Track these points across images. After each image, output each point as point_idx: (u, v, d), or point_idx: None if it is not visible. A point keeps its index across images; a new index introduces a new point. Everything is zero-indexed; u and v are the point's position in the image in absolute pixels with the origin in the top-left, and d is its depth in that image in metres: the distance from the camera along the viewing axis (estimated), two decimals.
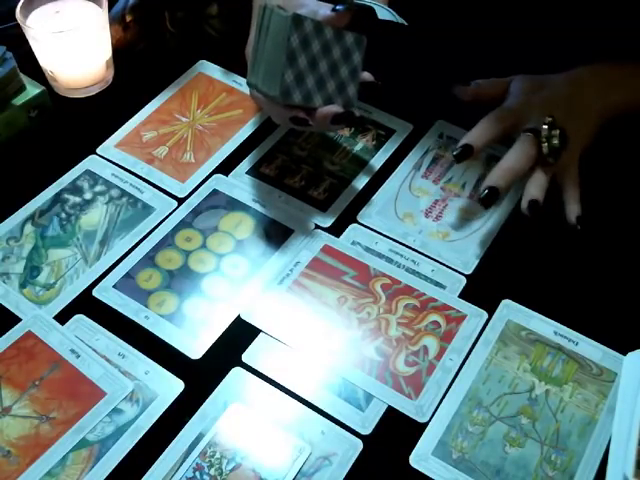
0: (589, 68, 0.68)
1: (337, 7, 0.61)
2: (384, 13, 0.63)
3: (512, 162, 0.63)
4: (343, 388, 0.56)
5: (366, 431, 0.54)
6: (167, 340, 0.59)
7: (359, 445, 0.53)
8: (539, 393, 0.56)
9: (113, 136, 0.73)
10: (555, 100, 0.66)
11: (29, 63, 0.74)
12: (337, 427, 0.54)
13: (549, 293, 0.62)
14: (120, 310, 0.61)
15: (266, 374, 0.57)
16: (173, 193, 0.69)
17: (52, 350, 0.58)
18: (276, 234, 0.66)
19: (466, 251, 0.64)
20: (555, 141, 0.63)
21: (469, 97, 0.71)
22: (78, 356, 0.57)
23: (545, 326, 0.60)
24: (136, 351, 0.58)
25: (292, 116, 0.62)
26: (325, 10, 0.61)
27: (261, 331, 0.59)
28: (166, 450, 0.53)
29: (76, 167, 0.71)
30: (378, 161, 0.72)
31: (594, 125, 0.67)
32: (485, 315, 0.60)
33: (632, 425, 0.53)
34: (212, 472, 0.52)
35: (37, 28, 0.71)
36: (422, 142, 0.73)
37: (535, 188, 0.63)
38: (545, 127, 0.63)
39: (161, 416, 0.55)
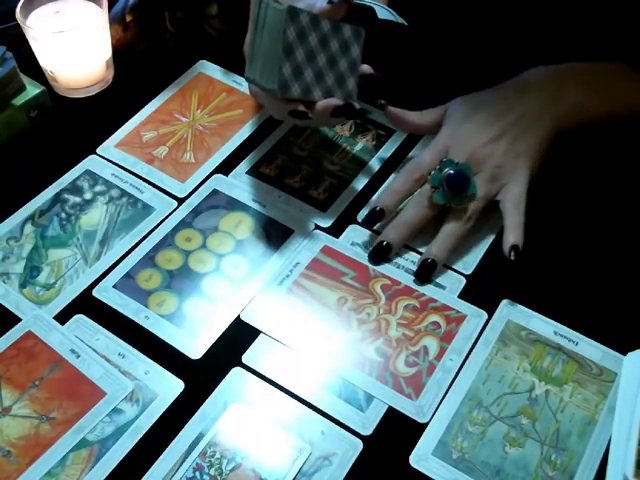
0: (533, 74, 0.66)
1: None
2: (384, 13, 0.63)
3: (407, 216, 0.63)
4: (343, 389, 0.56)
5: (367, 432, 0.54)
6: (167, 340, 0.59)
7: (359, 445, 0.53)
8: (539, 393, 0.56)
9: (113, 136, 0.73)
10: (484, 127, 0.63)
11: (29, 63, 0.74)
12: (337, 427, 0.54)
13: (549, 293, 0.62)
14: (120, 310, 0.60)
15: (266, 375, 0.57)
16: (173, 193, 0.69)
17: (52, 350, 0.58)
18: (276, 234, 0.66)
19: (466, 251, 0.64)
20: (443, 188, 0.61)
21: (394, 121, 0.69)
22: (78, 356, 0.57)
23: (545, 326, 0.60)
24: (136, 351, 0.58)
25: (292, 109, 0.61)
26: (321, 2, 0.61)
27: (261, 332, 0.59)
28: (166, 450, 0.53)
29: (76, 167, 0.71)
30: (378, 161, 0.72)
31: (541, 139, 0.64)
32: (485, 315, 0.60)
33: (632, 425, 0.53)
34: (212, 472, 0.52)
35: (37, 28, 0.71)
36: (422, 142, 0.73)
37: (436, 245, 0.62)
38: (432, 173, 0.62)
39: (161, 416, 0.55)
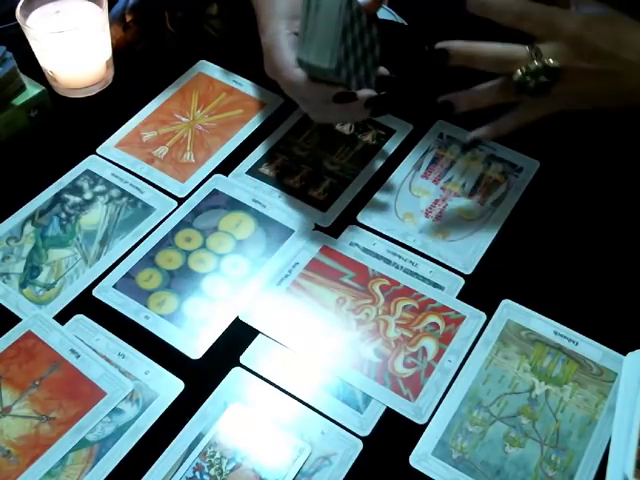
0: None
1: None
2: (384, 13, 0.63)
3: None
4: (341, 389, 0.56)
5: (364, 433, 0.54)
6: (167, 340, 0.59)
7: (359, 445, 0.53)
8: (539, 393, 0.56)
9: (113, 136, 0.73)
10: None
11: (29, 63, 0.74)
12: (337, 427, 0.54)
13: (549, 293, 0.62)
14: (120, 310, 0.61)
15: (264, 376, 0.57)
16: (173, 193, 0.69)
17: (52, 350, 0.58)
18: (276, 234, 0.66)
19: (466, 251, 0.64)
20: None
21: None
22: (78, 356, 0.57)
23: (545, 326, 0.60)
24: (136, 351, 0.58)
25: (338, 92, 0.59)
26: None
27: (260, 332, 0.59)
28: (166, 450, 0.53)
29: (76, 167, 0.71)
30: (378, 161, 0.72)
31: None
32: (484, 316, 0.60)
33: (632, 425, 0.53)
34: (212, 472, 0.52)
35: (37, 28, 0.71)
36: (422, 142, 0.73)
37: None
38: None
39: (161, 416, 0.55)
